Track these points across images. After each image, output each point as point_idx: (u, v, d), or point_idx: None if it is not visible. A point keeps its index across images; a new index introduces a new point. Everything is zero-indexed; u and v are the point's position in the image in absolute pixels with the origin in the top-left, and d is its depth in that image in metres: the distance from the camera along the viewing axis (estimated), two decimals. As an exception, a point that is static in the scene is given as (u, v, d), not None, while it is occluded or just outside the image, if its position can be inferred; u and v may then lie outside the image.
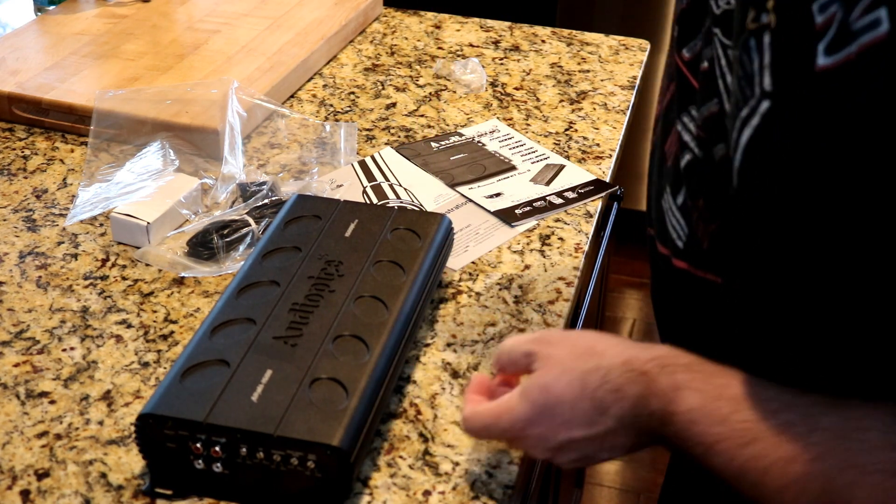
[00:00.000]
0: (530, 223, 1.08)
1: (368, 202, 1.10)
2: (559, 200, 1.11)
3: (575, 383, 0.70)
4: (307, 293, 0.84)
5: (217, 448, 0.72)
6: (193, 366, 0.76)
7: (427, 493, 0.77)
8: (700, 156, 0.70)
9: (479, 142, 1.22)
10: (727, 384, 0.64)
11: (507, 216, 1.08)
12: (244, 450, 0.72)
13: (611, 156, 1.21)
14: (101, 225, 1.06)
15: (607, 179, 1.16)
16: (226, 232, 1.00)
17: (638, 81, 1.39)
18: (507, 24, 1.53)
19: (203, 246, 1.00)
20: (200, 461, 0.73)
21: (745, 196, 0.61)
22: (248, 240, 1.00)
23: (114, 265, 1.00)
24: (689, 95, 0.72)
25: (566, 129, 1.25)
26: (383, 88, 1.34)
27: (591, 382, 0.69)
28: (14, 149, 1.19)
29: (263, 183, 1.07)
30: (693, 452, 0.65)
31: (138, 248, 1.02)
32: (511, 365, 0.76)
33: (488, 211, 1.09)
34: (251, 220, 1.01)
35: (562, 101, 1.32)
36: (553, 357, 0.72)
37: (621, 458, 2.17)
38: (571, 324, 1.13)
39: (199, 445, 0.72)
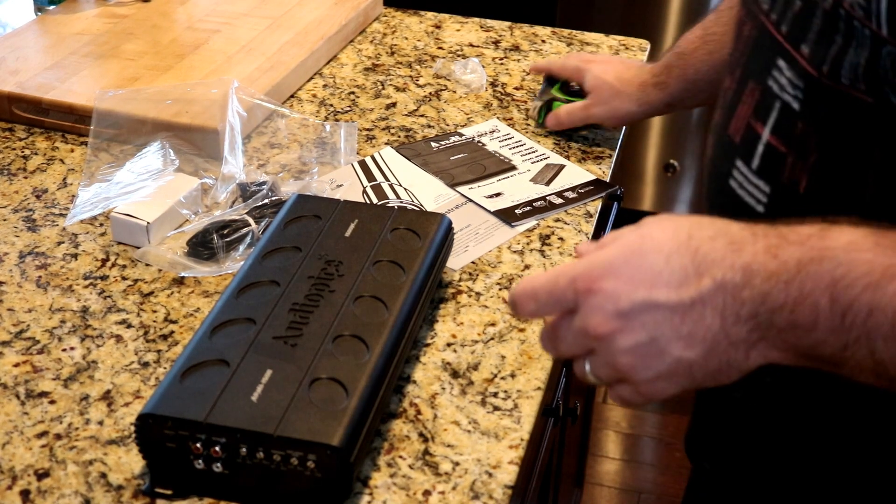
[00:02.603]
0: (530, 223, 1.08)
1: (368, 202, 1.10)
2: (559, 200, 1.11)
3: (681, 233, 0.60)
4: (307, 293, 0.84)
5: (217, 448, 0.72)
6: (193, 366, 0.76)
7: (427, 493, 0.77)
8: (803, 86, 0.68)
9: (479, 142, 1.22)
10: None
11: (507, 216, 1.08)
12: (244, 450, 0.72)
13: (611, 156, 1.21)
14: (101, 225, 1.06)
15: (607, 179, 1.17)
16: (226, 232, 1.00)
17: (638, 81, 1.39)
18: (507, 24, 1.53)
19: (203, 246, 1.00)
20: (200, 461, 0.73)
21: None
22: (248, 240, 1.00)
23: (114, 265, 1.00)
24: (772, 51, 0.71)
25: (566, 129, 1.25)
26: (383, 88, 1.34)
27: (699, 234, 0.59)
28: (14, 149, 1.19)
29: (263, 183, 1.07)
30: (818, 331, 0.57)
31: (138, 248, 1.02)
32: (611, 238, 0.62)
33: (488, 211, 1.09)
34: (251, 220, 1.01)
35: (562, 100, 1.32)
36: (662, 217, 0.62)
37: (623, 458, 2.17)
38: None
39: (198, 445, 0.72)
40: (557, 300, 0.62)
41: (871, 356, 0.57)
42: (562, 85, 1.25)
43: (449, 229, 0.96)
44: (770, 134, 0.73)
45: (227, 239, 1.00)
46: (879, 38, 0.63)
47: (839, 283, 0.57)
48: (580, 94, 1.22)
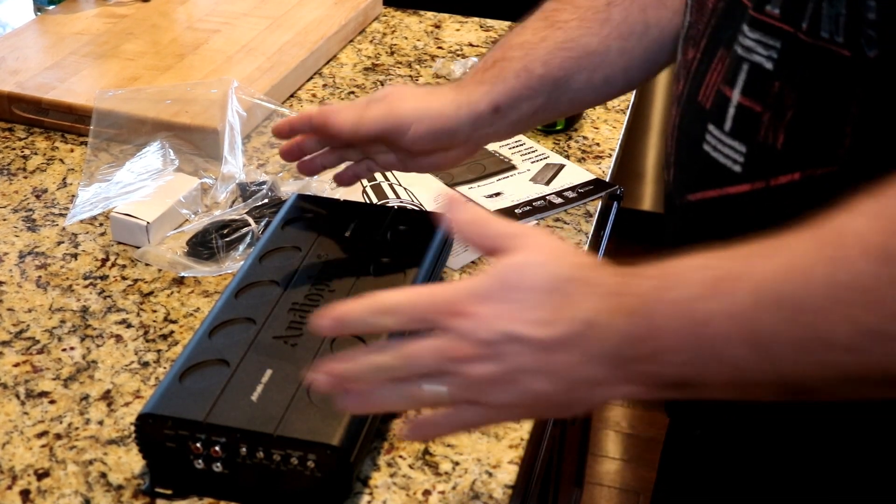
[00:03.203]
0: (530, 223, 1.08)
1: (368, 202, 1.10)
2: (559, 200, 1.11)
3: (561, 272, 0.61)
4: (307, 293, 0.84)
5: (217, 448, 0.72)
6: (193, 366, 0.76)
7: (427, 493, 0.77)
8: (778, 45, 0.69)
9: (478, 141, 1.22)
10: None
11: (507, 216, 1.08)
12: (244, 449, 0.72)
13: (611, 155, 1.21)
14: (101, 225, 1.06)
15: (607, 179, 1.16)
16: (226, 232, 1.00)
17: (638, 81, 1.39)
18: (507, 23, 1.53)
19: (203, 246, 1.00)
20: (200, 461, 0.73)
21: None
22: (247, 239, 1.00)
23: (114, 265, 1.00)
24: (739, 17, 0.73)
25: (566, 129, 1.25)
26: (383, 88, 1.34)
27: (577, 275, 0.61)
28: (14, 149, 1.19)
29: (263, 182, 1.07)
30: (682, 352, 0.59)
31: (138, 247, 1.02)
32: (481, 236, 0.64)
33: (488, 211, 1.09)
34: (251, 220, 1.01)
35: (562, 100, 1.32)
36: (545, 244, 0.63)
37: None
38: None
39: (198, 445, 0.72)
40: (421, 318, 0.61)
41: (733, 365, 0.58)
42: None
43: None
44: (740, 95, 0.74)
45: (227, 239, 1.00)
46: None
47: (691, 302, 0.58)
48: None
